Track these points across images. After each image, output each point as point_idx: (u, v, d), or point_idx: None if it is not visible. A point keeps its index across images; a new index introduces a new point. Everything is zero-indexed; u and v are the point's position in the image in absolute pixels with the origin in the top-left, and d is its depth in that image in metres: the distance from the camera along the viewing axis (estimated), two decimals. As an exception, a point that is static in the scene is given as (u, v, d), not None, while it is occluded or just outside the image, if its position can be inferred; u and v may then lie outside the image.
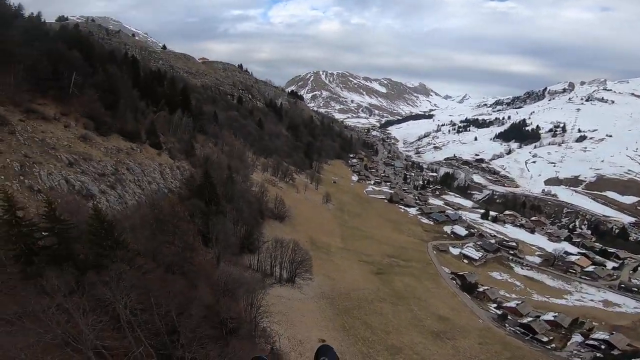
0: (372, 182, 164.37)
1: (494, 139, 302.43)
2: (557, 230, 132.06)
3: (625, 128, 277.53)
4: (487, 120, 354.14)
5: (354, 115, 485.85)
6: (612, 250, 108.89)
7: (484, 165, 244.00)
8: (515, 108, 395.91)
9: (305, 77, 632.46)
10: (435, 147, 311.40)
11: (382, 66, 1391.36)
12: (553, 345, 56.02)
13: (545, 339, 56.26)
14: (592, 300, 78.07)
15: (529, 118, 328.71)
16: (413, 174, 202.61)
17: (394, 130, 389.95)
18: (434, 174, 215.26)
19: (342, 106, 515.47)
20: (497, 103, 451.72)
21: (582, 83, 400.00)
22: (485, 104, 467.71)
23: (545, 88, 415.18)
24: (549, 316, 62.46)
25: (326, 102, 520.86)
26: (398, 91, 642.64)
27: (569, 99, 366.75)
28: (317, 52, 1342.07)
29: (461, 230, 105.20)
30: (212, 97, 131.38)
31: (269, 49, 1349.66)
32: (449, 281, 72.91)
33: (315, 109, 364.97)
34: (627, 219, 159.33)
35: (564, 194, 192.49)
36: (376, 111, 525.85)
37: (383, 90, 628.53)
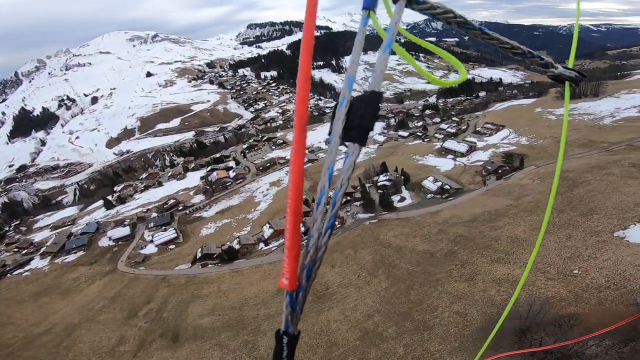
0: None
1: (9, 141, 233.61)
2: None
3: (118, 79, 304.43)
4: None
5: None
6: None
7: (32, 170, 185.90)
8: (1, 102, 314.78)
9: None
10: None
11: None
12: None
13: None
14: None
15: (26, 105, 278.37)
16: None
17: None
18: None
19: None
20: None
21: (49, 57, 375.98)
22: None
23: (16, 72, 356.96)
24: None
25: None
26: None
27: (49, 73, 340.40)
28: None
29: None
30: None
31: None
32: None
33: None
34: (189, 135, 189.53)
35: (135, 146, 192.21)
36: None
37: None
